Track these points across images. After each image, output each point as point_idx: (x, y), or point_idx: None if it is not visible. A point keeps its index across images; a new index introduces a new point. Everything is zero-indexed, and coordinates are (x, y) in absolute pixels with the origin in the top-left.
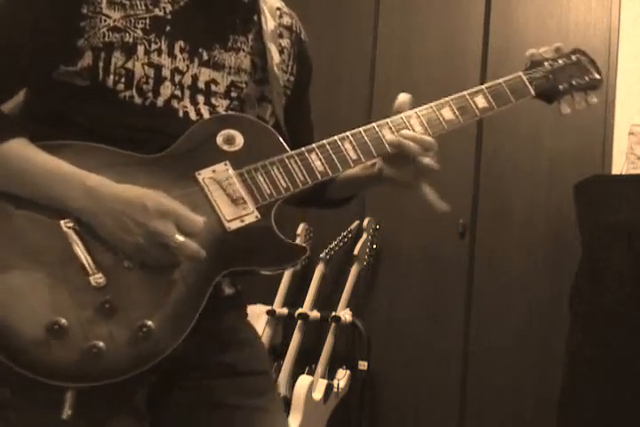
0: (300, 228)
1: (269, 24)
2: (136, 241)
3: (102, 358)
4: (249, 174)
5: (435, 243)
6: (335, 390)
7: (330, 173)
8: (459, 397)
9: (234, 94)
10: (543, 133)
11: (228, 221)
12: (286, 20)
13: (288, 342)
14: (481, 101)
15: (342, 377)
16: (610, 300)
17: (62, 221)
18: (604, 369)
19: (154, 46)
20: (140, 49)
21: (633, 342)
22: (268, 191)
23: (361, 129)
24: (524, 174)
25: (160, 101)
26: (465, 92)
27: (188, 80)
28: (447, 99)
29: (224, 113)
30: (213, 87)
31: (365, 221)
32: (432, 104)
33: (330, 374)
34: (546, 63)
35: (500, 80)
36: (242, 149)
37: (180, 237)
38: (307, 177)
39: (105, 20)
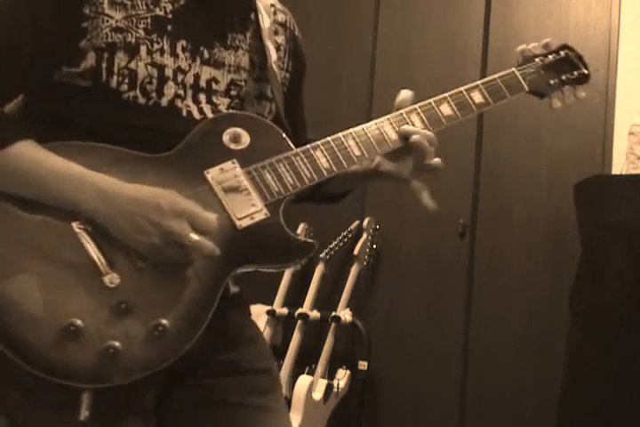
0: (300, 228)
1: (265, 21)
2: (151, 241)
3: (119, 358)
4: (257, 172)
5: (435, 243)
6: (335, 390)
7: (335, 170)
8: (459, 397)
9: (234, 93)
10: (543, 133)
11: (239, 219)
12: (281, 17)
13: (288, 342)
14: (477, 97)
15: (342, 377)
16: (610, 300)
17: (74, 223)
18: (604, 369)
19: (156, 46)
20: (143, 49)
21: (633, 342)
22: (276, 189)
23: (363, 126)
24: (524, 174)
25: (164, 101)
26: (462, 88)
27: (190, 79)
28: (445, 95)
29: (229, 111)
30: (214, 86)
31: (365, 221)
32: (431, 100)
33: (330, 374)
34: (537, 59)
35: (495, 76)
36: (248, 147)
37: (195, 236)
38: (313, 174)
39: (107, 21)
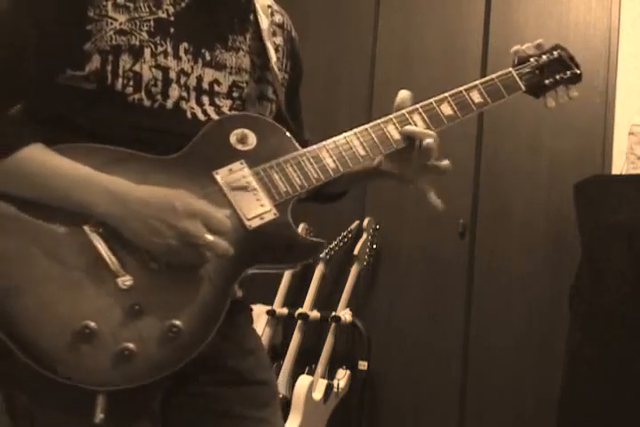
0: (301, 228)
1: (264, 23)
2: (167, 243)
3: (133, 360)
4: (265, 172)
5: (435, 243)
6: (335, 390)
7: (341, 170)
8: (459, 397)
9: (235, 94)
10: (543, 133)
11: (249, 220)
12: (278, 18)
13: (288, 342)
14: (476, 97)
15: (342, 377)
16: (610, 300)
17: (86, 226)
18: (604, 369)
19: (160, 49)
20: (147, 52)
21: (633, 342)
22: (285, 189)
23: (366, 126)
24: (524, 174)
25: (169, 103)
26: (461, 88)
27: (193, 81)
28: (445, 95)
29: (235, 113)
30: (216, 88)
31: (365, 221)
32: (432, 100)
33: (330, 374)
34: (531, 59)
35: (493, 76)
36: (255, 148)
37: (210, 236)
38: (320, 174)
39: (111, 23)
